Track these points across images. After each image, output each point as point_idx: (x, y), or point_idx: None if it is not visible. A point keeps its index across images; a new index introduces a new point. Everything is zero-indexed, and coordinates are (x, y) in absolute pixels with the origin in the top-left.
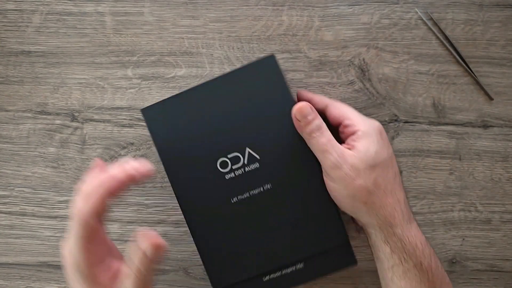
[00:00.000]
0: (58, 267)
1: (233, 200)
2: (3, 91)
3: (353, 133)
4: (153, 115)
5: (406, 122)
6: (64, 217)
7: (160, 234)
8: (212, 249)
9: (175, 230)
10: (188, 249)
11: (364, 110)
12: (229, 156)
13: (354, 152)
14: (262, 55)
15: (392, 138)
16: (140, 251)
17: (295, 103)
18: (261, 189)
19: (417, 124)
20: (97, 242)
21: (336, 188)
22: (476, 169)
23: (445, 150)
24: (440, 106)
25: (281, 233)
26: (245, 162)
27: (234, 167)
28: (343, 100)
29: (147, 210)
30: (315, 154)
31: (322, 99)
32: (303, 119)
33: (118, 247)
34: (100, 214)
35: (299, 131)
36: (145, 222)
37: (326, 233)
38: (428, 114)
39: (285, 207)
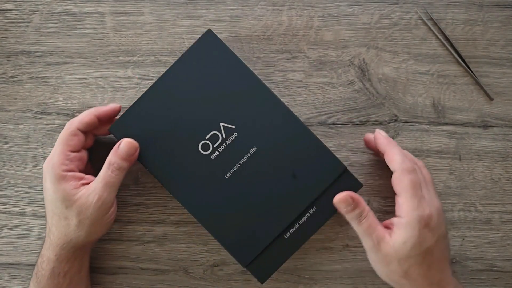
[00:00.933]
0: None
1: (226, 176)
2: (3, 91)
3: (397, 216)
4: (122, 129)
5: (406, 122)
6: None
7: (160, 234)
8: (227, 230)
9: (175, 230)
10: (188, 249)
11: (364, 110)
12: (207, 136)
13: (390, 240)
14: (262, 55)
15: (392, 138)
16: (114, 148)
17: (245, 66)
18: (248, 154)
19: (417, 124)
20: (75, 150)
21: (373, 264)
22: (476, 169)
23: (445, 150)
24: (440, 106)
25: (283, 188)
26: (224, 136)
27: (215, 145)
28: (343, 100)
29: (147, 210)
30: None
31: (393, 158)
32: (344, 209)
33: (118, 247)
34: (85, 126)
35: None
36: (145, 222)
37: (325, 169)
38: (428, 114)
39: (277, 162)
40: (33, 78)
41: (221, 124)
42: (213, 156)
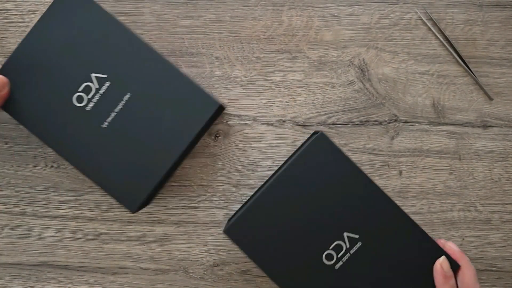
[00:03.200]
0: (58, 267)
1: (103, 125)
2: None
3: None
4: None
5: (406, 122)
6: (65, 217)
7: (160, 234)
8: (111, 179)
9: (175, 230)
10: (188, 249)
11: (364, 110)
12: (80, 88)
13: None
14: (262, 55)
15: (392, 138)
16: None
17: (110, 15)
18: (123, 102)
19: (416, 124)
20: None
21: None
22: (476, 169)
23: (445, 150)
24: (439, 106)
25: (161, 130)
26: (97, 86)
27: (89, 96)
28: (343, 100)
29: (147, 210)
30: None
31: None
32: (448, 272)
33: (119, 247)
34: None
35: (438, 278)
36: (145, 222)
37: (200, 107)
38: (428, 114)
39: (152, 106)
40: None
41: (92, 74)
42: (88, 108)
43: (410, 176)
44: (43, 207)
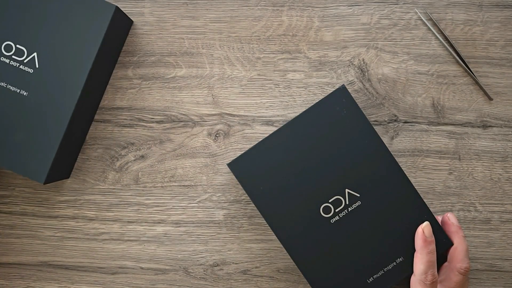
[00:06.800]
0: (58, 266)
1: (332, 221)
2: None
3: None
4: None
5: (405, 122)
6: (65, 217)
7: (160, 234)
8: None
9: (175, 230)
10: (188, 249)
11: (364, 110)
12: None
13: None
14: (262, 55)
15: (391, 138)
16: None
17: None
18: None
19: (416, 124)
20: None
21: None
22: (476, 169)
23: (445, 150)
24: (439, 106)
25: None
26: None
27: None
28: None
29: (147, 210)
30: (416, 259)
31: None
32: (430, 237)
33: (119, 246)
34: None
35: (418, 241)
36: (145, 222)
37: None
38: (428, 114)
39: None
40: None
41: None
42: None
43: (409, 176)
44: (43, 207)
